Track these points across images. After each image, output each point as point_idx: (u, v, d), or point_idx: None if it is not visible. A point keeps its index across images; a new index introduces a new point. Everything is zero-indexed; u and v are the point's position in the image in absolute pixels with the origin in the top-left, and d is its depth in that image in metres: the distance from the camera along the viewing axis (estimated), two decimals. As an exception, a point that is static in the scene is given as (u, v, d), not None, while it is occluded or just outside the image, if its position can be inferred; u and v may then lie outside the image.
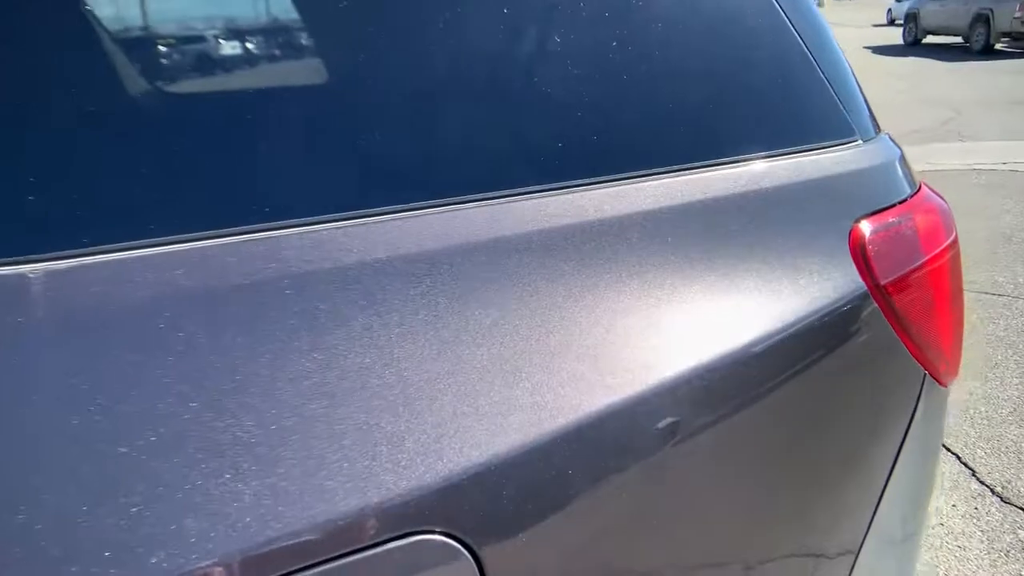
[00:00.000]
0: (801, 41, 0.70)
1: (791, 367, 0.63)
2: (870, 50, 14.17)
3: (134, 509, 0.41)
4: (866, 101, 0.78)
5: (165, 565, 0.40)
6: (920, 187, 0.81)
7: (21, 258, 0.44)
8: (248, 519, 0.43)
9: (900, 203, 0.75)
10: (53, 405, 0.41)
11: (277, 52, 0.58)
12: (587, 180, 0.58)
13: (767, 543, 0.68)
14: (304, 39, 0.59)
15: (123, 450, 0.42)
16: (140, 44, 0.54)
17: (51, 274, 0.44)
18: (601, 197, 0.58)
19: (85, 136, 0.47)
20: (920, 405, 0.79)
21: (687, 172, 0.63)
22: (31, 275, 0.44)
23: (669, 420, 0.55)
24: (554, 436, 0.50)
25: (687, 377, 0.56)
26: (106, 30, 0.52)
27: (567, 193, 0.57)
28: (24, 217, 0.45)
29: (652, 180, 0.60)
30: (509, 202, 0.55)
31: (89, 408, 0.42)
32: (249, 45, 0.57)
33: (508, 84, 0.60)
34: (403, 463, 0.46)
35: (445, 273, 0.51)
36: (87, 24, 0.50)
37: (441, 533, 0.47)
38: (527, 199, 0.55)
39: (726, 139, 0.66)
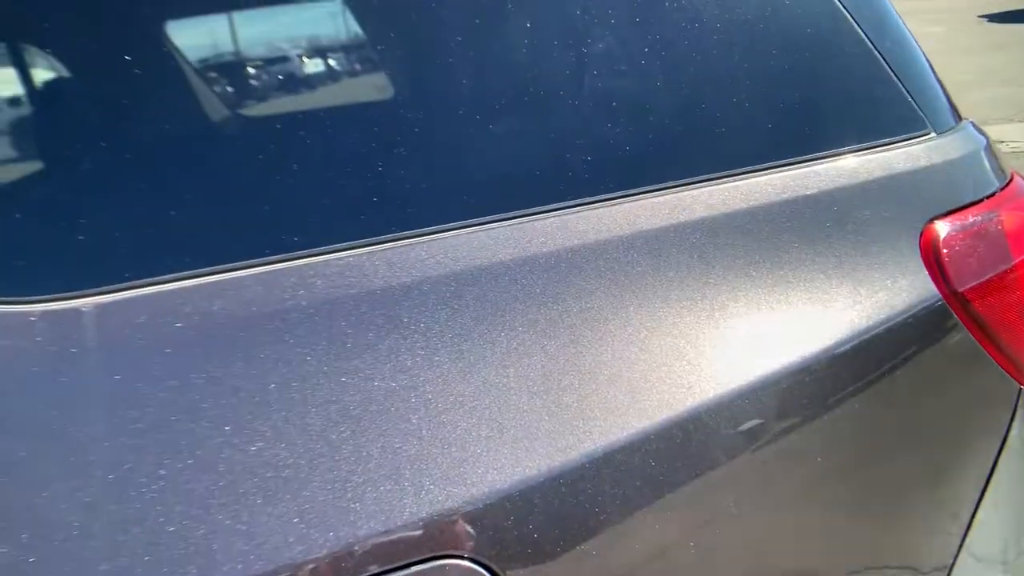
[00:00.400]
0: (858, 27, 0.65)
1: (853, 382, 0.59)
2: (986, 19, 12.97)
3: (170, 528, 0.44)
4: (943, 89, 0.72)
5: (194, 586, 0.42)
6: (1012, 180, 0.73)
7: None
8: (276, 541, 0.44)
9: (984, 199, 0.68)
10: (96, 430, 0.44)
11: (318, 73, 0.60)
12: (612, 195, 0.56)
13: (836, 564, 0.64)
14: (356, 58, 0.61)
15: (162, 472, 0.45)
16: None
17: (99, 305, 0.47)
18: (629, 211, 0.56)
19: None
20: (1017, 421, 0.72)
21: (732, 179, 0.60)
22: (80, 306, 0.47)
23: (709, 442, 0.52)
24: (582, 461, 0.49)
25: (731, 397, 0.53)
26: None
27: (594, 208, 0.55)
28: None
29: (700, 188, 0.58)
30: (534, 220, 0.54)
31: (129, 431, 0.45)
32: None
33: (559, 93, 0.59)
34: (427, 487, 0.47)
35: (470, 295, 0.51)
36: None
37: (466, 558, 0.47)
38: (552, 216, 0.54)
39: (777, 142, 0.62)
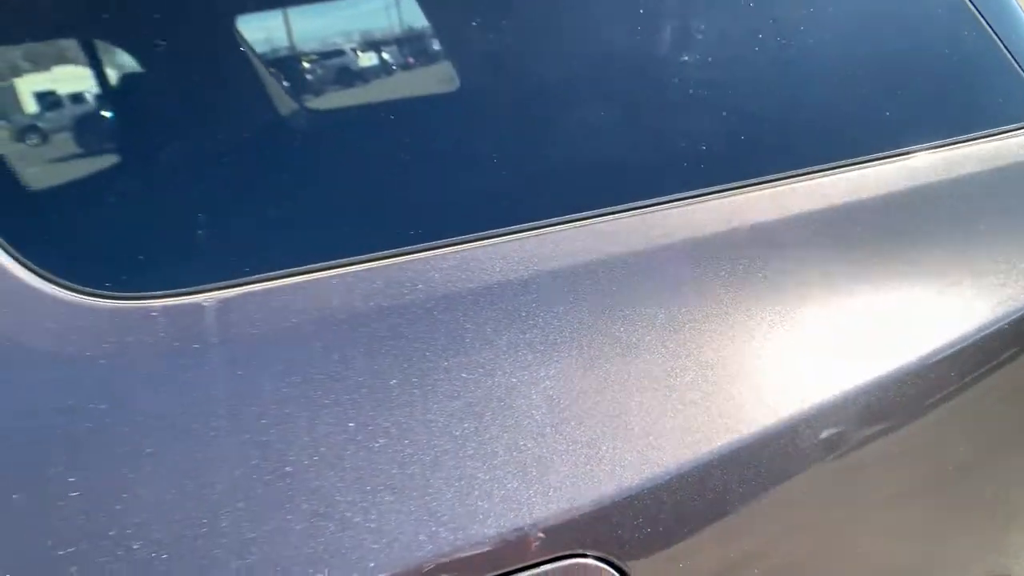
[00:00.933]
0: (975, 10, 0.63)
1: (974, 379, 0.57)
2: None
3: (299, 527, 0.43)
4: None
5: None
6: None
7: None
8: (406, 539, 0.43)
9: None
10: (220, 425, 0.44)
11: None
12: (738, 184, 0.55)
13: (944, 561, 0.62)
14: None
15: (288, 470, 0.44)
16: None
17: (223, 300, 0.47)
18: (753, 201, 0.55)
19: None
20: None
21: (845, 169, 0.58)
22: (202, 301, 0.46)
23: (834, 439, 0.51)
24: (709, 459, 0.47)
25: (855, 393, 0.52)
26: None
27: (717, 198, 0.54)
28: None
29: (807, 180, 0.56)
30: (653, 212, 0.53)
31: (253, 428, 0.44)
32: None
33: (674, 85, 0.58)
34: (553, 485, 0.46)
35: (589, 288, 0.50)
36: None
37: (594, 557, 0.45)
38: (674, 207, 0.53)
39: (887, 131, 0.61)
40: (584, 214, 0.52)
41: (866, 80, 0.62)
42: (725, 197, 0.54)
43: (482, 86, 0.57)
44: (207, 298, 0.47)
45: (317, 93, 0.55)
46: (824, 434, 0.51)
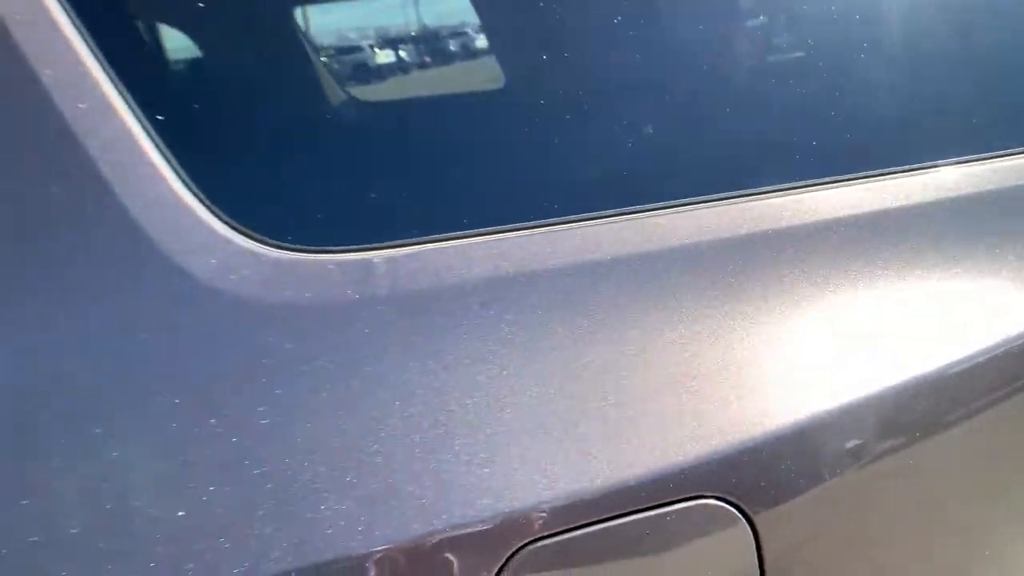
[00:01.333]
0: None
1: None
2: None
3: (475, 456, 0.48)
4: None
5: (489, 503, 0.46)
6: None
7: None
8: (570, 473, 0.48)
9: None
10: (387, 370, 0.49)
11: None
12: (840, 177, 0.61)
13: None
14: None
15: (452, 408, 0.49)
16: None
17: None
18: (848, 195, 0.61)
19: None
20: None
21: (942, 167, 0.64)
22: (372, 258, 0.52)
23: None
24: (824, 417, 0.53)
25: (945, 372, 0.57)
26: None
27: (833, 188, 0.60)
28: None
29: (898, 178, 0.62)
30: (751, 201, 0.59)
31: (424, 370, 0.49)
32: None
33: (792, 77, 0.64)
34: (688, 434, 0.51)
35: (725, 266, 0.56)
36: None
37: (721, 499, 0.51)
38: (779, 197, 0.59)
39: (992, 131, 0.66)
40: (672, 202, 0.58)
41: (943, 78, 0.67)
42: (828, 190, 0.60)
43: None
44: (377, 255, 0.52)
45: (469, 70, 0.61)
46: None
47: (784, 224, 0.58)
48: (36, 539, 0.41)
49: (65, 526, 0.41)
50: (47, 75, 0.46)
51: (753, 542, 0.51)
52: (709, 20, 0.64)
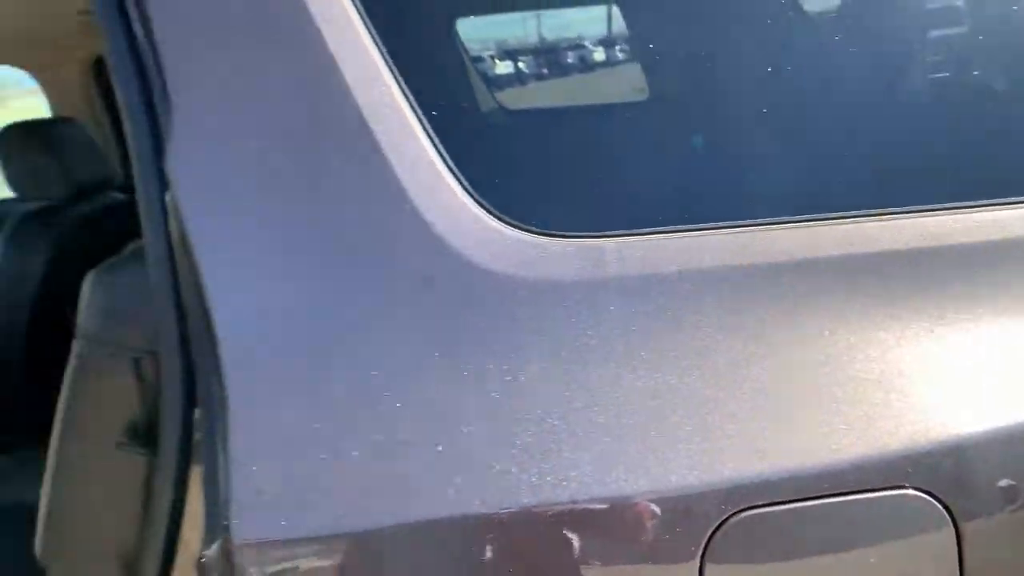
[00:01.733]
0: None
1: None
2: None
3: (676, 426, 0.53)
4: None
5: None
6: None
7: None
8: (783, 448, 0.53)
9: None
10: (621, 353, 0.55)
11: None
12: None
13: None
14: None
15: (671, 381, 0.55)
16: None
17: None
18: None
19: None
20: None
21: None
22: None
23: None
24: None
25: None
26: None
27: None
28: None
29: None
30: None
31: (637, 359, 0.55)
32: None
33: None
34: (892, 428, 0.54)
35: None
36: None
37: (926, 492, 0.53)
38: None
39: None
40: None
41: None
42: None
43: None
44: (608, 243, 0.59)
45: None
46: None
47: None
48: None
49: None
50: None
51: (955, 537, 0.53)
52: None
